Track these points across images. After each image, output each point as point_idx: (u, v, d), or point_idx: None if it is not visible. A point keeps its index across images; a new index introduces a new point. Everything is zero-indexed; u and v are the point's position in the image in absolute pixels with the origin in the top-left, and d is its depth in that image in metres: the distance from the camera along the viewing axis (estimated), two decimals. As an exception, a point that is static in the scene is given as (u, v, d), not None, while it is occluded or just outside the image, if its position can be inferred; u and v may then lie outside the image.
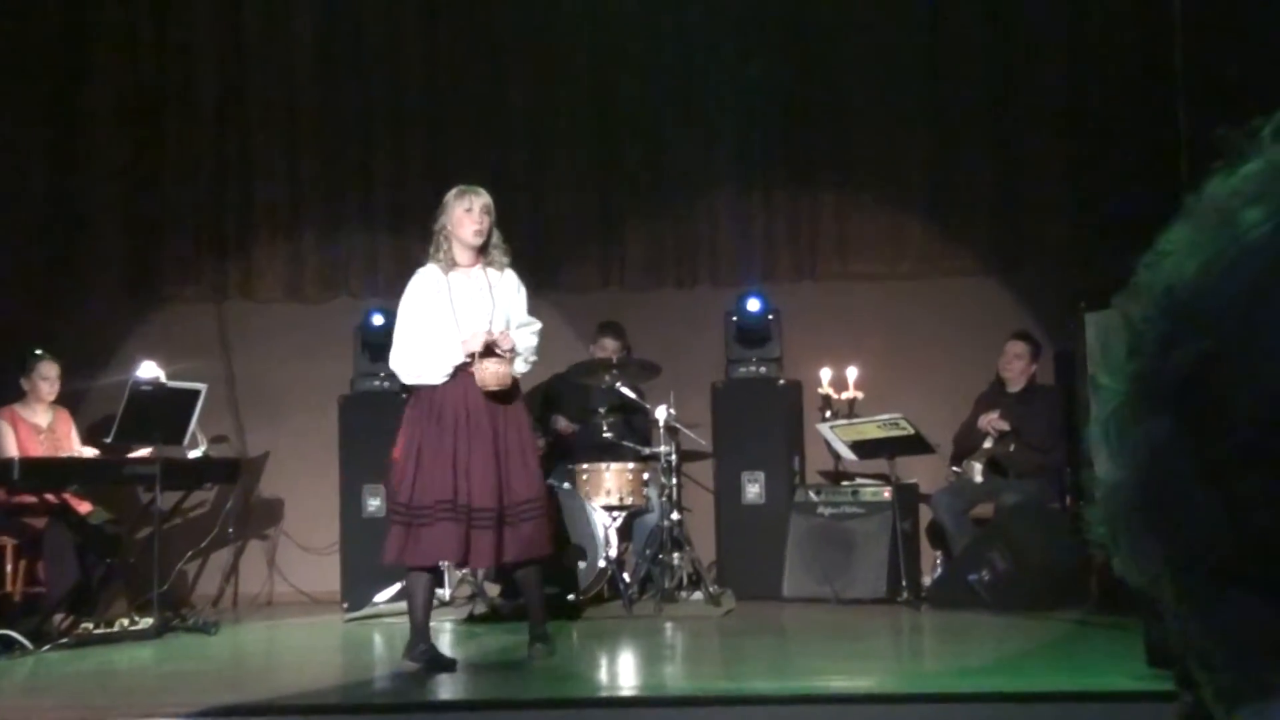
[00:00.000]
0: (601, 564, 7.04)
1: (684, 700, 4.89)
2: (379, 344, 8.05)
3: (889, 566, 7.30)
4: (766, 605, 7.38)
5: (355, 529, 7.89)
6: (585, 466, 7.43)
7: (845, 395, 7.96)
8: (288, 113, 8.74)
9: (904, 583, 7.20)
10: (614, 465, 7.38)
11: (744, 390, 8.05)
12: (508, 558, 5.48)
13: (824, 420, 7.80)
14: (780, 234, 8.52)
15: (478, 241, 5.55)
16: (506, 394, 5.50)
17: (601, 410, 7.64)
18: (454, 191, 5.63)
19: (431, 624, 6.45)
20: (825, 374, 7.98)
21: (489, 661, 5.89)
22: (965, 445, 7.74)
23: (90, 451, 7.33)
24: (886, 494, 7.47)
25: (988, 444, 7.64)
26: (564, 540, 6.87)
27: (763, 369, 8.07)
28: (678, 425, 7.53)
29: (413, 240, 8.61)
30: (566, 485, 7.32)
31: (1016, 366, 7.74)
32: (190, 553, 8.17)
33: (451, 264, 5.56)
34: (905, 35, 8.42)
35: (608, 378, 7.45)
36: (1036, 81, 8.33)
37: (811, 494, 7.75)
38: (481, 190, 5.61)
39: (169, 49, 8.76)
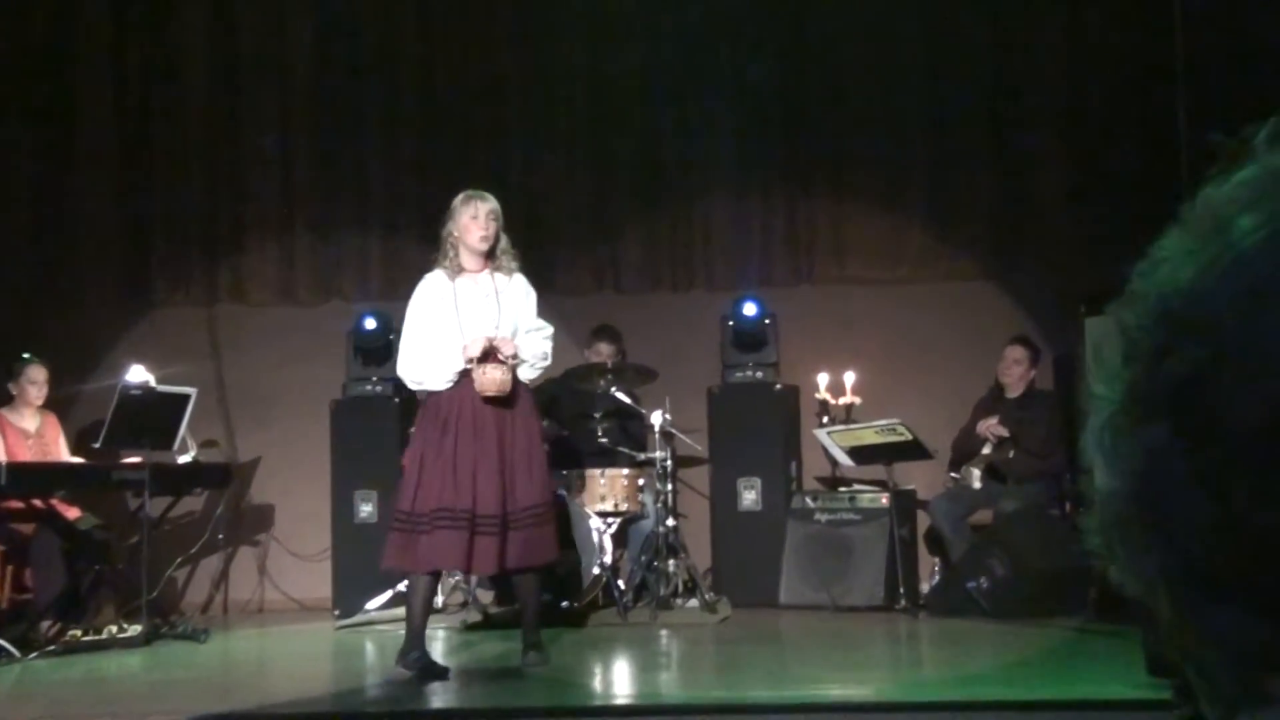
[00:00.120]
0: (596, 571, 7.04)
1: (679, 709, 4.88)
2: (371, 348, 8.07)
3: (887, 573, 7.30)
4: (763, 613, 7.38)
5: (347, 535, 7.88)
6: (580, 472, 7.43)
7: (842, 400, 7.96)
8: (280, 114, 8.75)
9: (902, 590, 7.20)
10: (609, 471, 7.38)
11: (740, 395, 8.05)
12: (511, 563, 5.48)
13: (821, 426, 7.81)
14: (777, 237, 8.53)
15: (484, 247, 5.57)
16: (512, 398, 5.51)
17: (596, 415, 7.64)
18: (460, 197, 5.65)
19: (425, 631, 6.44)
20: (822, 379, 7.99)
21: (482, 670, 5.89)
22: (964, 451, 7.75)
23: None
24: (884, 500, 7.48)
25: (986, 450, 7.64)
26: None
27: (759, 374, 8.07)
28: (673, 430, 7.53)
29: (406, 243, 8.63)
30: (561, 491, 7.32)
31: (1015, 372, 7.75)
32: (180, 559, 8.16)
33: (459, 269, 5.59)
34: (904, 37, 8.43)
35: (603, 382, 7.45)
36: (1036, 85, 8.34)
37: (808, 500, 7.76)
38: (488, 195, 5.63)
39: (161, 51, 8.76)
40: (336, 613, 7.62)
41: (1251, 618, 0.52)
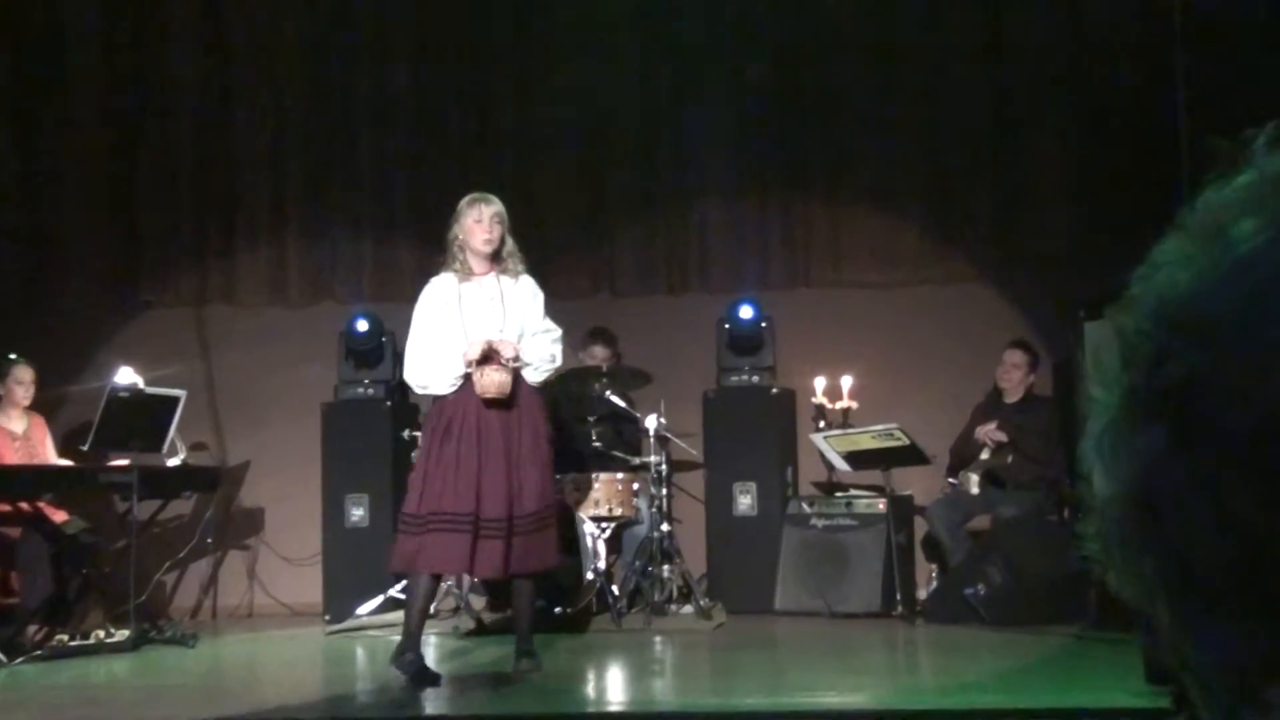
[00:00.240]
0: (590, 576, 7.03)
1: (674, 717, 4.89)
2: (363, 350, 8.06)
3: (883, 580, 7.30)
4: (758, 619, 7.38)
5: (338, 539, 7.88)
6: (573, 476, 7.42)
7: (839, 405, 7.96)
8: (271, 113, 8.74)
9: (899, 596, 7.20)
10: (603, 475, 7.38)
11: (736, 399, 8.05)
12: (515, 568, 5.51)
13: (817, 430, 7.81)
14: (774, 239, 8.53)
15: (488, 250, 5.60)
16: (515, 401, 5.53)
17: (591, 419, 7.64)
18: (466, 200, 5.69)
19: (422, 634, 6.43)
20: (819, 383, 7.99)
21: (474, 676, 5.89)
22: (962, 456, 7.76)
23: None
24: (881, 506, 7.48)
25: (985, 455, 7.65)
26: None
27: (755, 377, 8.07)
28: (668, 434, 7.53)
29: (399, 244, 8.64)
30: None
31: (1014, 376, 7.76)
32: (168, 563, 8.15)
33: (467, 273, 5.61)
34: (901, 39, 8.44)
35: (597, 386, 7.45)
36: (1035, 87, 8.35)
37: (805, 505, 7.76)
38: (493, 198, 5.66)
39: (149, 48, 8.76)
40: (327, 618, 7.61)
41: (1250, 623, 0.52)
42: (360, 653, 6.78)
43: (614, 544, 7.51)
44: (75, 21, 8.76)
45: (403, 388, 8.10)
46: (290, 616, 8.16)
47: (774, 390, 8.06)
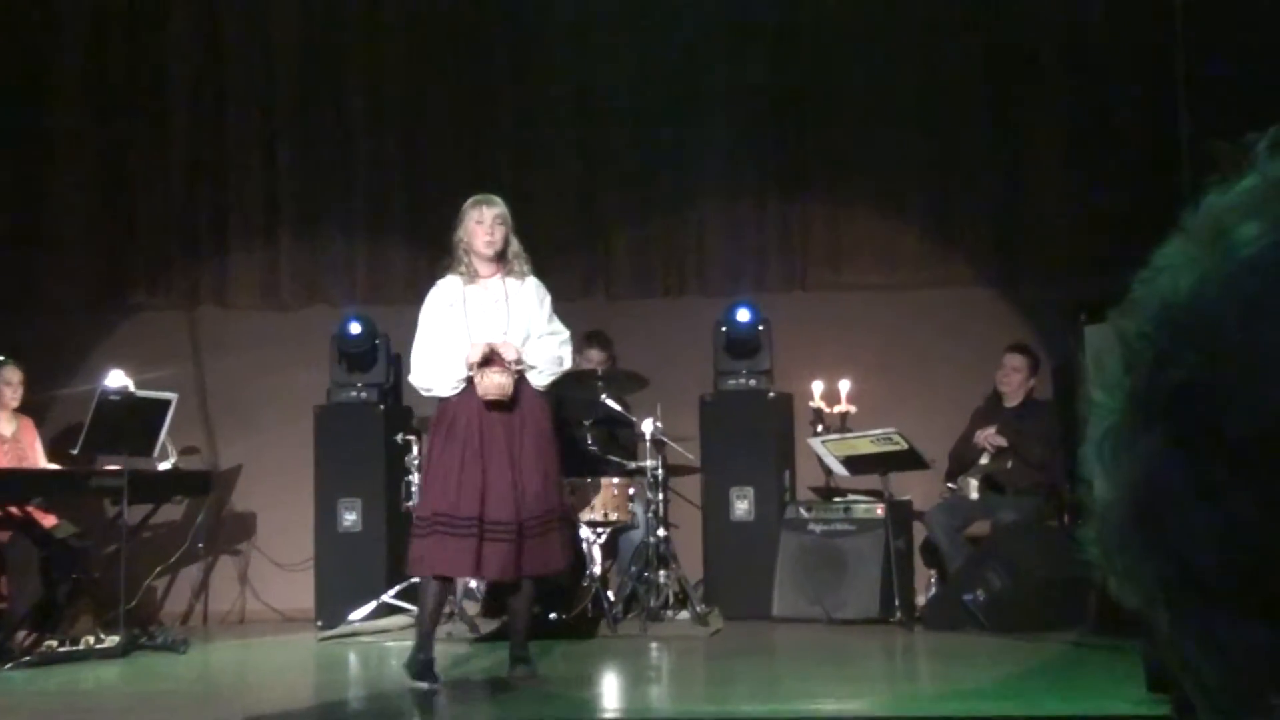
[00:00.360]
0: (585, 582, 7.03)
1: (670, 723, 4.89)
2: (356, 353, 8.06)
3: (882, 586, 7.30)
4: (755, 625, 7.38)
5: (330, 544, 7.87)
6: (569, 481, 7.41)
7: (837, 409, 7.97)
8: (264, 114, 8.74)
9: (897, 603, 7.20)
10: (598, 479, 7.38)
11: (733, 403, 8.05)
12: (527, 571, 5.55)
13: (815, 434, 7.81)
14: (771, 242, 8.53)
15: (489, 252, 5.63)
16: (518, 403, 5.55)
17: (586, 423, 7.64)
18: (469, 201, 5.75)
19: (408, 643, 6.44)
20: (817, 387, 7.99)
21: (468, 682, 5.88)
22: (961, 461, 7.76)
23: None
24: (880, 511, 7.48)
25: (984, 460, 7.65)
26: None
27: (752, 381, 8.07)
28: (664, 439, 7.53)
29: (392, 247, 8.63)
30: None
31: (1014, 380, 7.76)
32: (159, 568, 8.14)
33: (472, 275, 5.65)
34: (901, 39, 8.45)
35: (592, 389, 7.44)
36: (1035, 88, 8.36)
37: (802, 510, 7.76)
38: (496, 200, 5.71)
39: (140, 47, 8.75)
40: (319, 624, 7.60)
41: (1253, 628, 0.52)
42: (353, 659, 6.78)
43: (610, 549, 7.51)
44: (67, 22, 8.75)
45: (396, 391, 8.12)
46: (282, 622, 8.15)
47: (771, 394, 8.06)
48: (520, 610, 5.71)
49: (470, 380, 5.52)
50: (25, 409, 7.56)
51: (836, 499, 7.89)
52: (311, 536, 7.98)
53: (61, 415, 8.01)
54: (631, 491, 7.45)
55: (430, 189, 8.54)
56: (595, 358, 7.88)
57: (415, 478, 7.48)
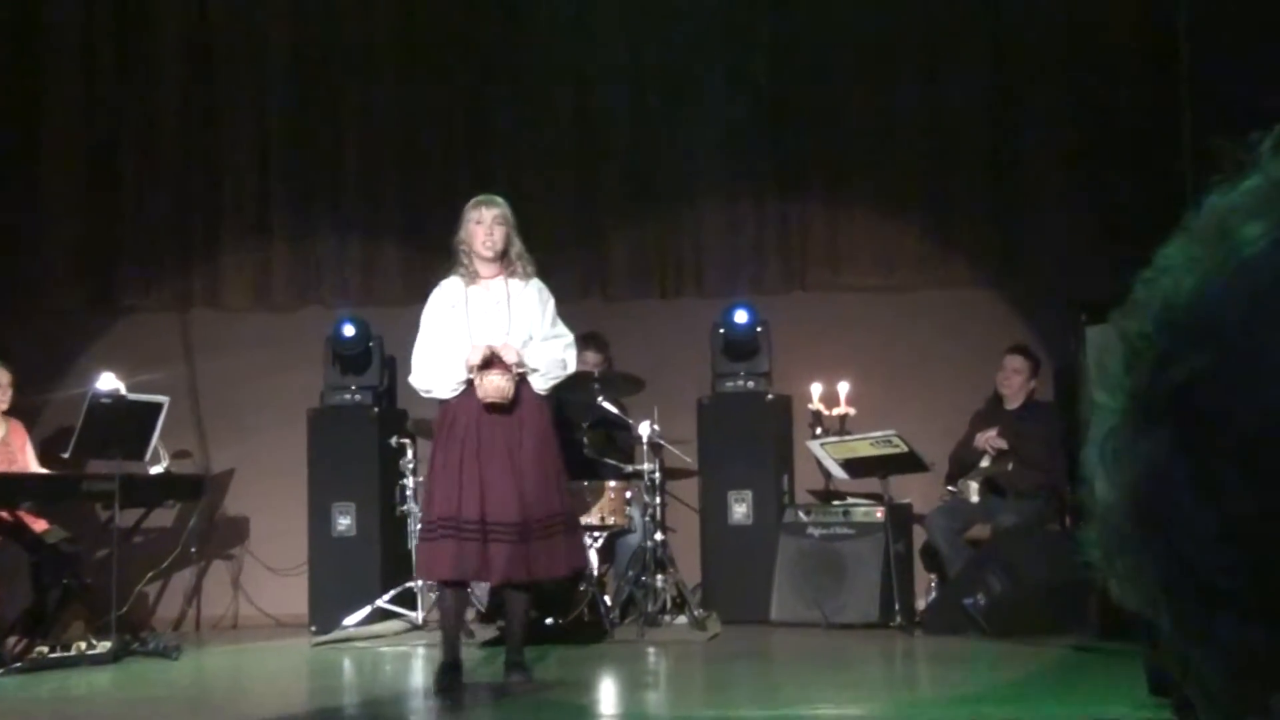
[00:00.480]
0: (582, 587, 7.03)
1: (667, 729, 4.89)
2: (350, 355, 8.05)
3: (881, 590, 7.30)
4: (754, 630, 7.38)
5: (324, 549, 7.87)
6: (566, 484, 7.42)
7: (836, 411, 7.97)
8: (257, 114, 8.74)
9: (897, 607, 7.21)
10: (595, 483, 7.38)
11: (731, 405, 8.05)
12: (534, 574, 5.57)
13: (814, 437, 7.81)
14: (770, 242, 8.54)
15: (487, 253, 5.65)
16: (518, 406, 5.55)
17: (583, 426, 7.64)
18: (470, 202, 5.77)
19: (403, 649, 6.46)
20: (816, 389, 7.99)
21: (463, 688, 5.88)
22: (961, 464, 7.76)
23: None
24: (879, 514, 7.48)
25: (985, 463, 7.66)
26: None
27: (750, 383, 8.07)
28: (662, 441, 7.53)
29: (386, 248, 8.63)
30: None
31: (1015, 382, 7.76)
32: (151, 573, 8.13)
33: (474, 276, 5.67)
34: (900, 39, 8.45)
35: (589, 392, 7.44)
36: (1036, 88, 8.36)
37: (801, 514, 7.76)
38: (497, 200, 5.73)
39: (133, 49, 8.75)
40: (313, 629, 7.60)
41: (1255, 630, 0.53)
42: (347, 665, 6.77)
43: (606, 553, 7.51)
44: (58, 23, 8.75)
45: (390, 393, 8.12)
46: (275, 628, 8.14)
47: (770, 396, 8.06)
48: (516, 616, 5.72)
49: (470, 382, 5.53)
50: (16, 412, 7.55)
51: (835, 502, 7.89)
52: (305, 541, 7.98)
53: (53, 418, 8.01)
54: (629, 495, 7.45)
55: (425, 189, 8.55)
56: (592, 360, 7.88)
57: (410, 481, 7.49)
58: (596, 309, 8.48)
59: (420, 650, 6.84)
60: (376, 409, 8.00)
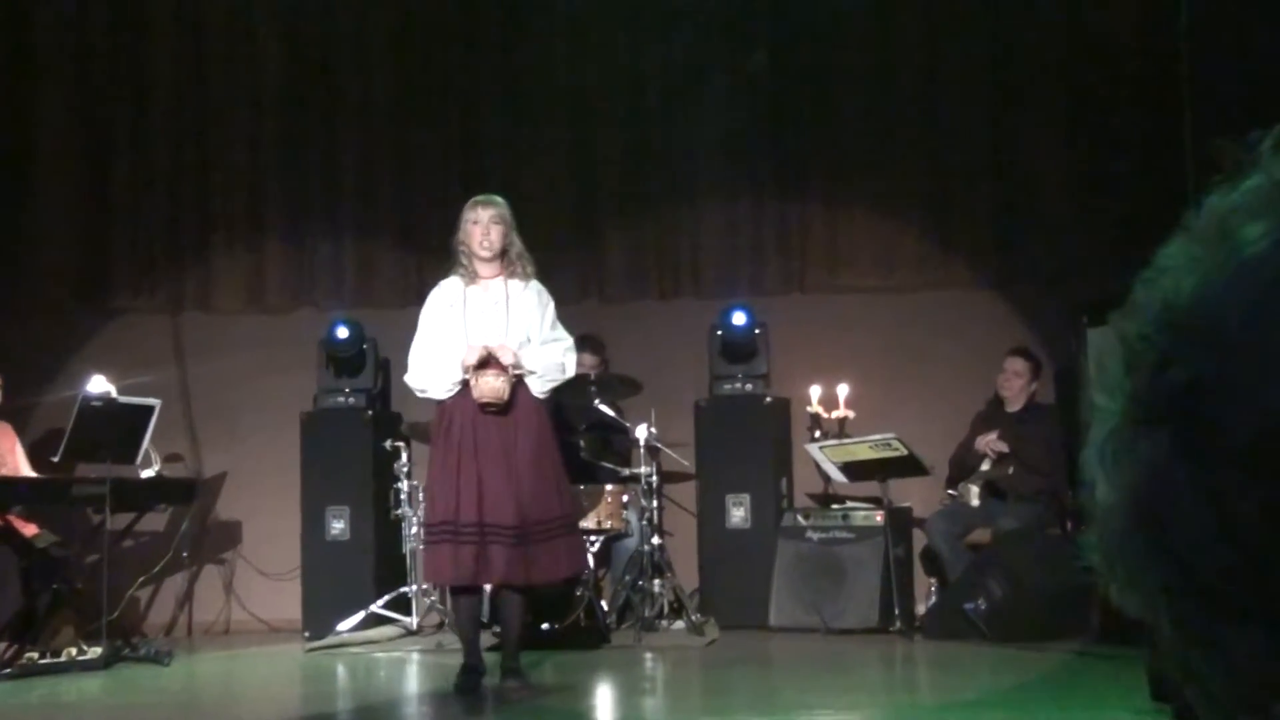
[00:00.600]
0: (578, 591, 7.03)
1: (665, 735, 4.89)
2: (343, 358, 8.06)
3: (881, 594, 7.31)
4: (752, 635, 7.38)
5: (317, 553, 7.87)
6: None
7: (835, 414, 7.97)
8: (249, 114, 8.73)
9: (896, 611, 7.21)
10: (591, 487, 7.37)
11: (729, 408, 8.05)
12: (534, 578, 5.57)
13: (813, 440, 7.81)
14: (768, 243, 8.54)
15: (484, 253, 5.65)
16: (514, 407, 5.55)
17: (579, 429, 7.64)
18: (469, 202, 5.78)
19: (397, 654, 6.45)
20: (814, 391, 7.99)
21: (460, 695, 5.87)
22: (962, 467, 7.77)
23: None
24: (879, 518, 7.48)
25: (985, 466, 7.66)
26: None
27: (749, 386, 8.08)
28: (659, 445, 7.53)
29: (380, 250, 8.63)
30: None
31: (1015, 384, 7.77)
32: (142, 578, 8.12)
33: (472, 276, 5.67)
34: (900, 40, 8.46)
35: (585, 395, 7.44)
36: (1036, 89, 8.37)
37: (800, 518, 7.76)
38: (495, 200, 5.73)
39: (124, 49, 8.74)
40: (306, 634, 7.59)
41: (1255, 632, 0.53)
42: (341, 670, 6.77)
43: (603, 558, 7.50)
44: (51, 24, 8.74)
45: (384, 396, 8.12)
46: (268, 633, 8.14)
47: (768, 399, 8.07)
48: (512, 621, 5.71)
49: (466, 383, 5.53)
50: (5, 414, 7.54)
51: (835, 506, 7.89)
52: (298, 545, 7.98)
53: (43, 421, 8.00)
54: (625, 499, 7.45)
55: (420, 190, 8.55)
56: (588, 362, 7.87)
57: (404, 485, 7.49)
58: (593, 310, 8.47)
59: (415, 656, 6.84)
60: (370, 412, 8.00)
